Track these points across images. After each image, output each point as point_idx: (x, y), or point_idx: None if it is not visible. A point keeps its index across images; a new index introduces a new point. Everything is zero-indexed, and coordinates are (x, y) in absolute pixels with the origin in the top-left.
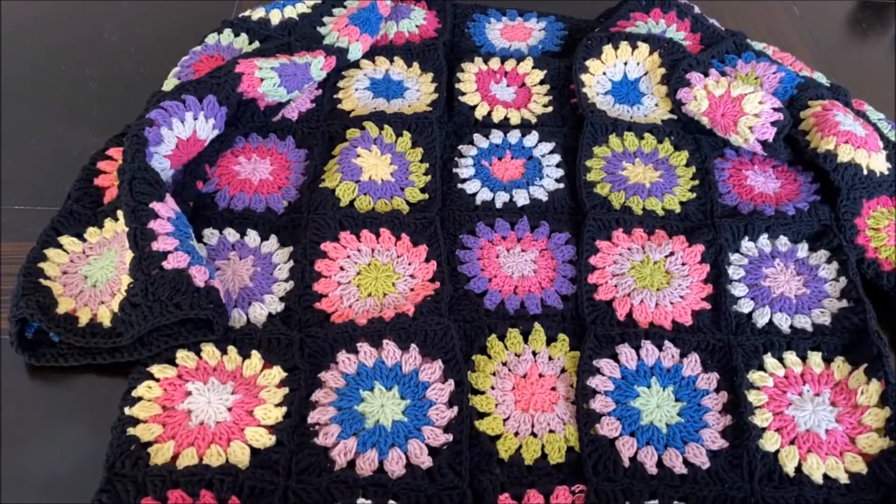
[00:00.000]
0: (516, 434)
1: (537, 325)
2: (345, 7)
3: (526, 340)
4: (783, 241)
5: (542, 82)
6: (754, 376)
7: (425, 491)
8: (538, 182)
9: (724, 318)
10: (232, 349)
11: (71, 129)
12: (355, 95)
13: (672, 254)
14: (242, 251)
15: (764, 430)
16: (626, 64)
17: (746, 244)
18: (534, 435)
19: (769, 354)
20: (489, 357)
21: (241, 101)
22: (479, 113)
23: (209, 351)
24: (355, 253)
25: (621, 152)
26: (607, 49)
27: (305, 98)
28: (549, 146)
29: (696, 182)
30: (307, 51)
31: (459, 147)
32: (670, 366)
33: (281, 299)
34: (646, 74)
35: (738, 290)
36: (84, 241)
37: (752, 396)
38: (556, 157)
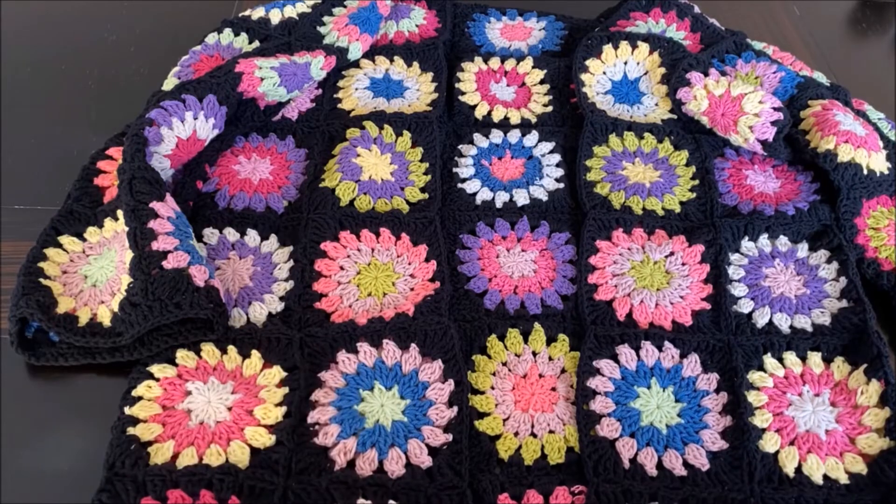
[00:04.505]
0: (516, 434)
1: (537, 326)
2: (345, 6)
3: (526, 340)
4: (783, 241)
5: (542, 82)
6: (754, 377)
7: (425, 491)
8: (538, 182)
9: (723, 318)
10: (232, 349)
11: (71, 129)
12: (355, 95)
13: (672, 254)
14: (242, 251)
15: (764, 430)
16: (626, 63)
17: (746, 244)
18: (533, 435)
19: (769, 355)
20: (489, 357)
21: (241, 101)
22: (479, 112)
23: (209, 350)
24: (355, 252)
25: (621, 152)
26: (607, 48)
27: (305, 97)
28: (549, 146)
29: (696, 182)
30: (307, 50)
31: (459, 147)
32: (670, 366)
33: (281, 299)
34: (646, 74)
35: (738, 290)
36: (84, 240)
37: (752, 397)
38: (556, 157)
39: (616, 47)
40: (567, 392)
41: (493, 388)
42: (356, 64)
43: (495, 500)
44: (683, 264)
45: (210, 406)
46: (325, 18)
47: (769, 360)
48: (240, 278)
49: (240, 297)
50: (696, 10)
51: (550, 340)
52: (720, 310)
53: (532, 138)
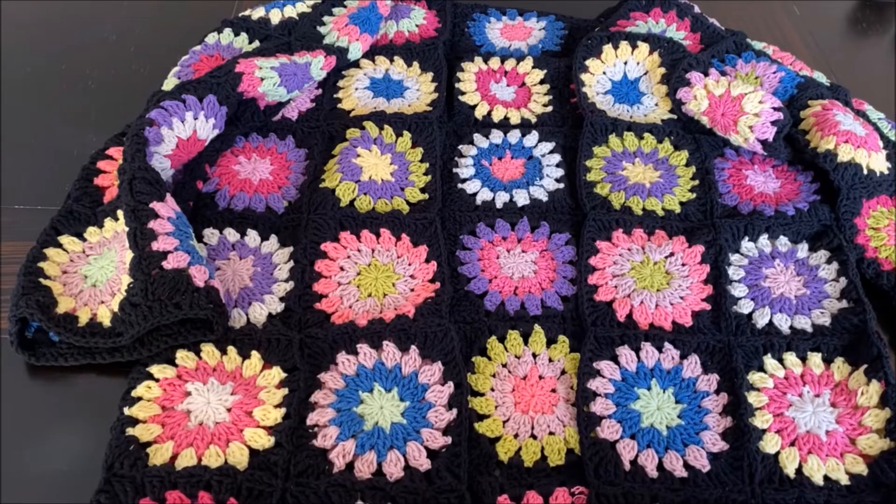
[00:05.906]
0: (516, 436)
1: (537, 327)
2: (345, 6)
3: (526, 342)
4: (783, 242)
5: (541, 82)
6: (754, 377)
7: (423, 494)
8: (538, 182)
9: (723, 318)
10: (232, 349)
11: (71, 129)
12: (355, 95)
13: (672, 254)
14: (242, 251)
15: (764, 431)
16: (626, 63)
17: (746, 244)
18: (533, 437)
19: (769, 355)
20: (489, 359)
21: (241, 101)
22: (479, 112)
23: (209, 351)
24: (355, 253)
25: (621, 152)
26: (607, 48)
27: (305, 97)
28: (549, 146)
29: (696, 182)
30: (307, 50)
31: (459, 147)
32: (670, 367)
33: (281, 299)
34: (646, 74)
35: (738, 290)
36: (84, 240)
37: (753, 398)
38: (556, 157)
39: (616, 47)
40: (567, 393)
41: (492, 389)
42: (356, 64)
43: (495, 501)
44: (683, 265)
45: (209, 407)
46: (325, 18)
47: (769, 361)
48: (240, 279)
49: (240, 298)
50: (696, 10)
51: (550, 342)
52: (720, 310)
53: (532, 138)
